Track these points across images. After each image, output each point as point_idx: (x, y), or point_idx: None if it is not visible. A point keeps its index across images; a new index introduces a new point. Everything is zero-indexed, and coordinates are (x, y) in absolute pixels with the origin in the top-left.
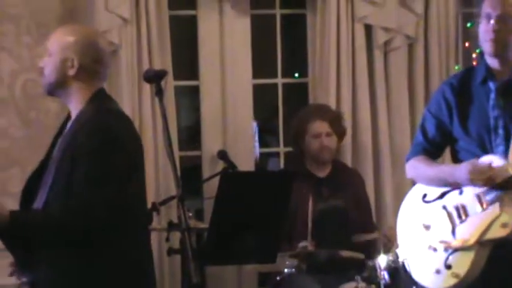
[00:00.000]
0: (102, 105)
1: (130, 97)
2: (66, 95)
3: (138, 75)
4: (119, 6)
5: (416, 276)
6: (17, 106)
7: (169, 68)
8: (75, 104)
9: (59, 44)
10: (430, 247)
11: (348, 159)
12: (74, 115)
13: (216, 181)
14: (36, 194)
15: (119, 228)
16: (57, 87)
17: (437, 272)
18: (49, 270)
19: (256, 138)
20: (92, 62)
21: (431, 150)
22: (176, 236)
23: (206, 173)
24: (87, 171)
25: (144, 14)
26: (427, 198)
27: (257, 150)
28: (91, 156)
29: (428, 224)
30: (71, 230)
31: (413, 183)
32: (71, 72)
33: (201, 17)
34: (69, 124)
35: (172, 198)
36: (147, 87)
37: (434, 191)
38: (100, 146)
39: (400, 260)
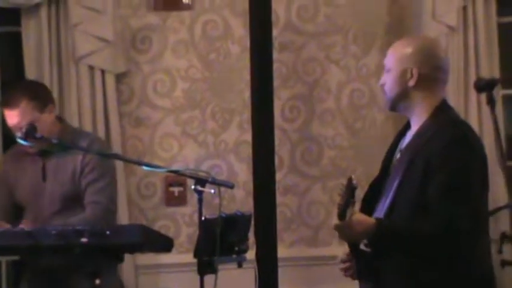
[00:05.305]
0: (449, 115)
1: (457, 105)
2: (409, 107)
3: (465, 83)
4: (446, 14)
5: None
6: (343, 116)
7: (496, 76)
8: (419, 115)
9: (396, 57)
10: None
11: None
12: (415, 126)
13: None
14: (374, 202)
15: (473, 238)
16: (399, 101)
17: None
18: (396, 278)
19: None
20: (432, 70)
21: None
22: (508, 248)
23: None
24: (448, 182)
25: (472, 22)
26: None
27: None
28: (452, 167)
29: None
30: (433, 242)
31: None
32: (411, 82)
33: None
34: (408, 134)
35: (499, 208)
36: (473, 96)
37: None
38: (459, 156)
39: None
